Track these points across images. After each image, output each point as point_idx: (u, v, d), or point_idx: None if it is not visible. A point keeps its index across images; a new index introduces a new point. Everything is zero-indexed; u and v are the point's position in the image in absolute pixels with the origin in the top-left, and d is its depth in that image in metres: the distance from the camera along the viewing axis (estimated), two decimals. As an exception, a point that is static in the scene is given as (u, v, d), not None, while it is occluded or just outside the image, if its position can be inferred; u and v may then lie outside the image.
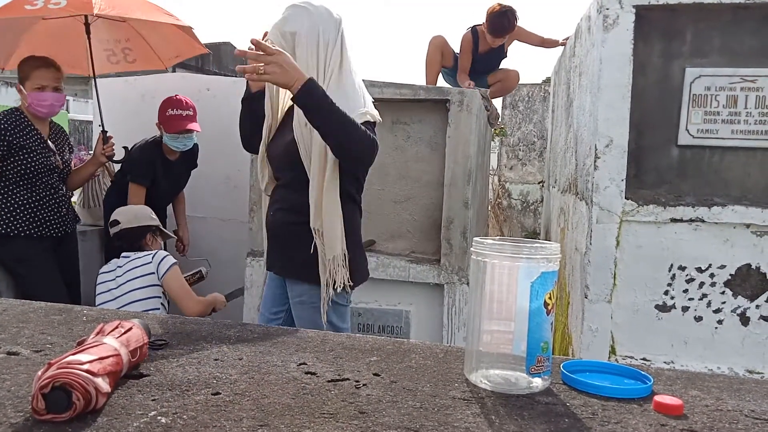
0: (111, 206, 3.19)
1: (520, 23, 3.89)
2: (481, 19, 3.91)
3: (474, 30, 3.88)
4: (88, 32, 2.99)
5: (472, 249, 0.93)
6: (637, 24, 2.55)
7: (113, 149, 2.93)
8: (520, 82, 4.44)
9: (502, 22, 3.70)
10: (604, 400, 0.86)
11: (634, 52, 2.56)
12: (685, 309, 2.64)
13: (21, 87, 2.57)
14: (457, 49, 4.04)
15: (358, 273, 1.83)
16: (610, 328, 2.69)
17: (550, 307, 0.88)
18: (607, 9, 2.54)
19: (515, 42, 4.08)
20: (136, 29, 3.28)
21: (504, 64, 4.12)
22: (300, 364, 0.96)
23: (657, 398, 0.84)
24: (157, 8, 3.08)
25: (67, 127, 8.33)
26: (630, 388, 0.89)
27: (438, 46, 4.00)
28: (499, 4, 3.72)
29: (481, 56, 3.91)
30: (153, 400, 0.80)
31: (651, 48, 2.63)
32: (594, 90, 2.65)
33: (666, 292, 2.65)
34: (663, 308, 2.66)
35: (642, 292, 2.65)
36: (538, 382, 0.89)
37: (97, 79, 3.19)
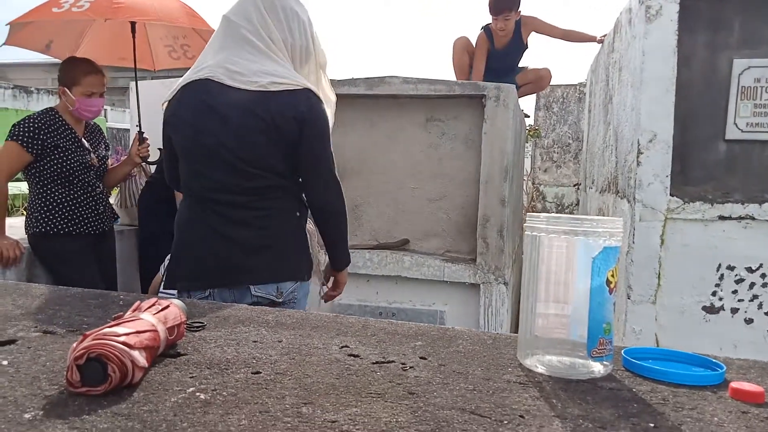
0: (145, 206, 3.21)
1: (539, 16, 3.82)
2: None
3: (487, 28, 3.81)
4: (133, 31, 3.03)
5: (525, 224, 0.87)
6: (681, 14, 2.46)
7: (148, 150, 2.94)
8: (555, 83, 4.36)
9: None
10: (674, 387, 0.79)
11: (678, 44, 2.46)
12: (734, 311, 2.52)
13: (66, 89, 2.59)
14: None
15: (170, 270, 1.73)
16: (655, 330, 2.58)
17: (612, 286, 0.81)
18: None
19: (552, 46, 4.02)
20: (192, 26, 3.25)
21: (528, 59, 4.05)
22: (342, 347, 0.91)
23: (734, 385, 0.76)
24: (181, 10, 3.06)
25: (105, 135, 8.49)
26: (702, 375, 0.82)
27: (463, 47, 3.94)
28: None
29: (498, 52, 3.83)
30: (191, 377, 0.76)
31: (696, 39, 2.54)
32: (636, 84, 2.56)
33: (714, 293, 2.53)
34: (711, 310, 2.54)
35: (688, 292, 2.54)
36: (599, 367, 0.82)
37: (138, 81, 3.22)
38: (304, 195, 1.72)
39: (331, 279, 1.88)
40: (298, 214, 1.71)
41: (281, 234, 1.66)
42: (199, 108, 1.58)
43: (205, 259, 1.61)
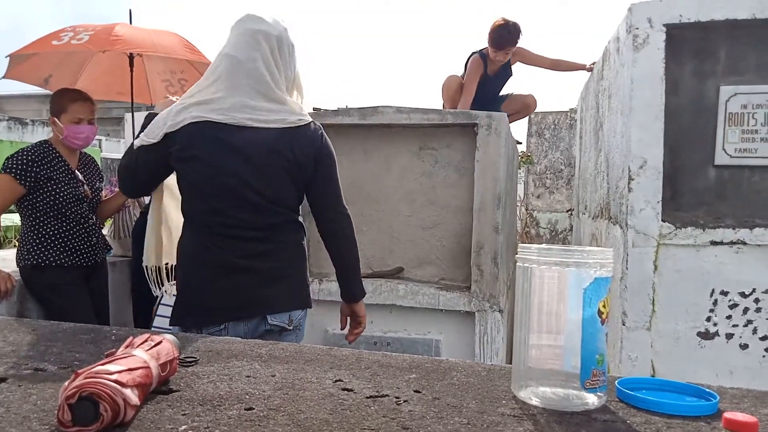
0: (139, 237, 3.20)
1: (527, 47, 3.89)
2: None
3: (483, 53, 3.87)
4: (131, 65, 3.07)
5: (517, 255, 0.88)
6: (668, 43, 2.51)
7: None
8: (546, 110, 4.41)
9: (505, 33, 3.69)
10: (667, 418, 0.79)
11: (665, 72, 2.51)
12: (729, 336, 2.52)
13: (56, 119, 2.61)
14: None
15: (180, 306, 1.66)
16: (650, 357, 2.57)
17: (604, 316, 0.82)
18: (637, 28, 2.51)
19: (541, 75, 4.05)
20: (188, 60, 3.29)
21: (515, 84, 4.10)
22: (336, 381, 0.91)
23: (727, 415, 0.76)
24: (179, 43, 3.11)
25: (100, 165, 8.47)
26: (695, 405, 0.82)
27: (459, 84, 3.98)
28: (503, 19, 3.73)
29: (489, 78, 3.88)
30: (183, 414, 0.75)
31: (683, 67, 2.58)
32: (625, 111, 2.60)
33: (708, 319, 2.53)
34: (706, 335, 2.54)
35: (683, 318, 2.54)
36: (593, 399, 0.82)
37: (134, 112, 3.26)
38: (316, 223, 1.78)
39: (348, 318, 1.87)
40: (304, 243, 1.78)
41: (294, 264, 1.73)
42: (218, 147, 1.58)
43: (224, 292, 1.61)
